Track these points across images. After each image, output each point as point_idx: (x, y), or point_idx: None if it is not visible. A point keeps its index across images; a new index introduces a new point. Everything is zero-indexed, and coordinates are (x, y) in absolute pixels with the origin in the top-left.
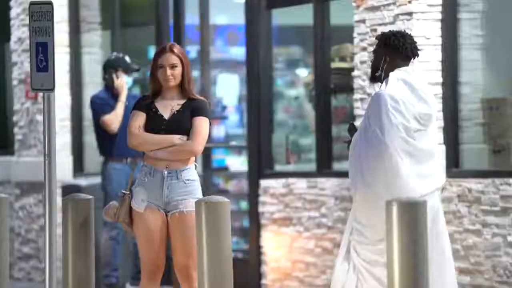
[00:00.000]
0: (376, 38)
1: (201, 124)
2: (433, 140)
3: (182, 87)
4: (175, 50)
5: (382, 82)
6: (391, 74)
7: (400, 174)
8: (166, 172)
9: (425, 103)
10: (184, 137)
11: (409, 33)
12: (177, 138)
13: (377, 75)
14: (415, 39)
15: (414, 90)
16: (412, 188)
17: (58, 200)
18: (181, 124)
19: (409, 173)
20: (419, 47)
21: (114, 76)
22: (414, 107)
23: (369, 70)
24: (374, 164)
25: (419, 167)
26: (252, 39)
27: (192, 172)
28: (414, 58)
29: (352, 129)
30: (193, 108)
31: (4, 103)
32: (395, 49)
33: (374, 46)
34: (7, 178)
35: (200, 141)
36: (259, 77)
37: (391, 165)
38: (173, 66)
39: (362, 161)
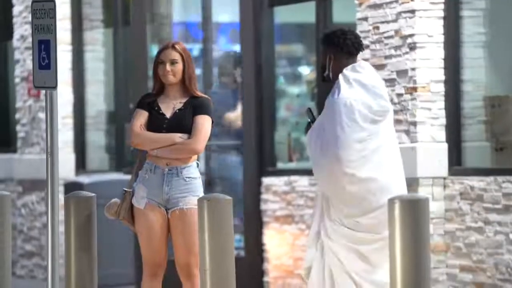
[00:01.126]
0: (320, 40)
1: (202, 122)
2: (388, 137)
3: (182, 84)
4: (177, 46)
5: (331, 81)
6: (340, 75)
7: (354, 177)
8: (166, 169)
9: (381, 98)
10: (185, 136)
11: (352, 30)
12: (177, 137)
13: (325, 75)
14: (418, 36)
15: (368, 89)
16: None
17: (61, 197)
18: (182, 122)
19: (361, 174)
20: (362, 43)
21: None
22: (372, 107)
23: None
24: (325, 171)
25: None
26: (254, 36)
27: (193, 170)
28: (357, 54)
29: (310, 114)
30: (195, 107)
31: (7, 100)
32: (336, 47)
33: (321, 47)
34: (10, 176)
35: (200, 140)
36: (261, 74)
37: (342, 175)
38: (173, 62)
39: (315, 162)
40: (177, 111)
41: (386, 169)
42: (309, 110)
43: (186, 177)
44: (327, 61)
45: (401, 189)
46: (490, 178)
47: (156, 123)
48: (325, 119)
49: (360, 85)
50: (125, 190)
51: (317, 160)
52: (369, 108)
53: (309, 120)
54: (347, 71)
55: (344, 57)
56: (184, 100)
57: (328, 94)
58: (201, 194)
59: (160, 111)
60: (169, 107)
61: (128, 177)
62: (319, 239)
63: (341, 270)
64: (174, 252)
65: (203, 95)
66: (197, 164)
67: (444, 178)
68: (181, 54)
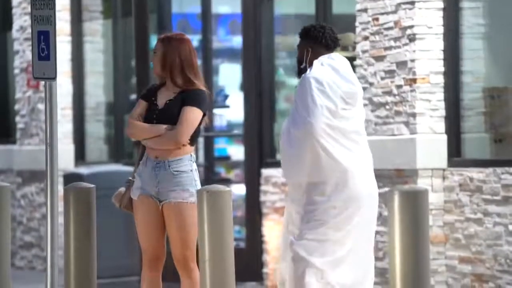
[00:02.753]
0: (298, 34)
1: (188, 113)
2: (359, 121)
3: (170, 75)
4: (162, 36)
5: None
6: (315, 60)
7: (326, 150)
8: (155, 162)
9: (350, 83)
10: (173, 127)
11: (329, 26)
12: (163, 128)
13: (302, 67)
14: (417, 28)
15: (338, 72)
16: (339, 164)
17: (60, 188)
18: (171, 114)
19: (334, 150)
20: (339, 39)
21: None
22: (340, 87)
23: (370, 59)
24: (301, 143)
25: (344, 145)
26: (255, 28)
27: (183, 164)
28: (334, 49)
29: None
30: (185, 98)
31: (6, 91)
32: (315, 40)
33: (299, 41)
34: (9, 167)
35: (183, 131)
36: (261, 66)
37: (316, 142)
38: (153, 53)
39: (291, 142)
40: (167, 102)
41: (353, 157)
42: None
43: (175, 171)
44: (305, 53)
45: (364, 182)
46: (489, 170)
47: (149, 114)
48: (296, 96)
49: (331, 68)
50: (129, 179)
51: (290, 136)
52: (338, 87)
53: None
54: (322, 57)
55: (322, 50)
56: (176, 91)
57: None
58: (192, 188)
59: (155, 102)
60: (163, 98)
61: (127, 168)
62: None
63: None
64: (170, 245)
65: (198, 87)
66: (191, 156)
67: (444, 170)
68: (163, 44)
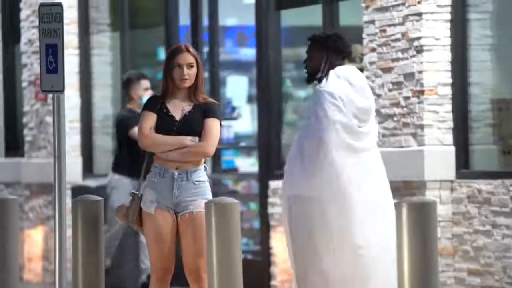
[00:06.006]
0: (309, 39)
1: (213, 125)
2: (373, 137)
3: (194, 88)
4: (191, 50)
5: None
6: (331, 71)
7: (334, 164)
8: (176, 173)
9: (365, 98)
10: (196, 139)
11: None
12: (188, 140)
13: (318, 77)
14: (425, 39)
15: (355, 87)
16: (347, 179)
17: (68, 201)
18: (192, 125)
19: (344, 165)
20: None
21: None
22: (354, 102)
23: (378, 71)
24: (312, 156)
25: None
26: (262, 40)
27: (202, 173)
28: (348, 58)
29: None
30: (205, 110)
31: (14, 104)
32: (333, 49)
33: (310, 48)
34: (17, 180)
35: (212, 143)
36: (269, 78)
37: (325, 156)
38: (190, 66)
39: (302, 155)
40: (186, 113)
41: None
42: None
43: (196, 181)
44: (322, 63)
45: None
46: (498, 181)
47: (166, 126)
48: (309, 109)
49: (348, 82)
50: (134, 193)
51: (302, 149)
52: (352, 102)
53: None
54: (338, 69)
55: (338, 60)
56: (192, 103)
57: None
58: (210, 197)
59: (169, 113)
60: (177, 109)
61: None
62: None
63: None
64: (182, 256)
65: (210, 99)
66: (205, 167)
67: (452, 181)
68: (195, 58)
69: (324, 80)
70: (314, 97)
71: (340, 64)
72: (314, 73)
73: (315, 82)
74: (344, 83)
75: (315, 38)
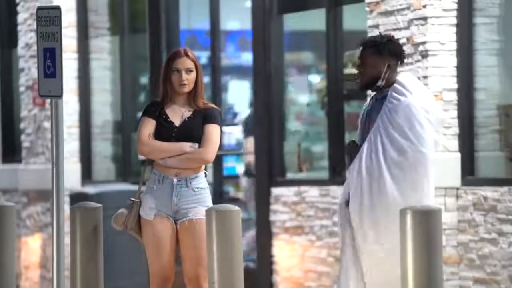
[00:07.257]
0: (361, 45)
1: (213, 131)
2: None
3: (194, 94)
4: (190, 54)
5: (380, 90)
6: (407, 80)
7: (429, 182)
8: (176, 180)
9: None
10: (195, 145)
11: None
12: (188, 146)
13: (379, 84)
14: (430, 44)
15: (433, 97)
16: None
17: (66, 208)
18: (192, 131)
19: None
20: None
21: None
22: (433, 113)
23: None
24: (406, 172)
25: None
26: (264, 44)
27: (202, 180)
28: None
29: (352, 147)
30: (205, 116)
31: (12, 109)
32: (396, 56)
33: (364, 54)
34: (14, 186)
35: (212, 149)
36: (271, 83)
37: (427, 172)
38: (188, 71)
39: (391, 171)
40: (186, 119)
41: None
42: (353, 142)
43: (195, 188)
44: (385, 69)
45: None
46: (504, 189)
47: (165, 132)
48: (394, 122)
49: (426, 93)
50: (132, 200)
51: (389, 165)
52: (432, 114)
53: (349, 154)
54: (411, 77)
55: (397, 66)
56: (192, 109)
57: (377, 100)
58: (210, 204)
59: (168, 119)
60: (177, 115)
61: (134, 187)
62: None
63: None
64: (182, 264)
65: (211, 104)
66: (205, 174)
67: (457, 189)
68: (194, 63)
69: (405, 90)
70: (404, 110)
71: (397, 70)
72: (372, 81)
73: (372, 89)
74: (430, 94)
75: (370, 43)
